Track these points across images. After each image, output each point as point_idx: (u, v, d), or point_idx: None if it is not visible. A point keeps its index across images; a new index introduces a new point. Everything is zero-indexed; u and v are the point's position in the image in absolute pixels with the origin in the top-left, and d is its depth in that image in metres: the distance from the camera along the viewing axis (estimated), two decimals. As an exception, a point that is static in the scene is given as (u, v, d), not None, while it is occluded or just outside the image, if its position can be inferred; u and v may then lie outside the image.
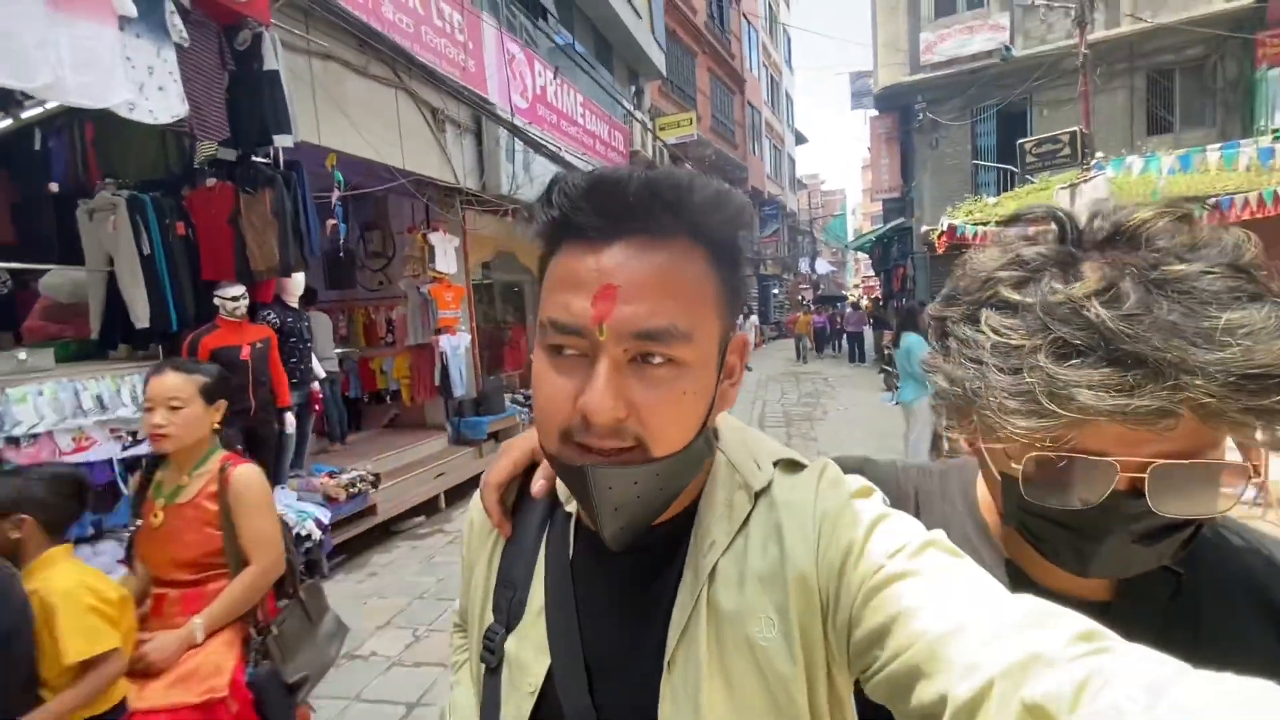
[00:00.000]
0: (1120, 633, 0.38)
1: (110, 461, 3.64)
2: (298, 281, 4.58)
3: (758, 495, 0.56)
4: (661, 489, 0.51)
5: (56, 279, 4.70)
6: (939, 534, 0.49)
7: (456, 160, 6.26)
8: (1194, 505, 0.50)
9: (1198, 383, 0.44)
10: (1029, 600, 0.42)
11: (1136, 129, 11.57)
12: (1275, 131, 9.01)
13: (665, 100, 14.75)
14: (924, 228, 11.48)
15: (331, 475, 4.76)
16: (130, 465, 3.77)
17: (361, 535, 4.80)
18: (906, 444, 5.39)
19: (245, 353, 4.02)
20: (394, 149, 5.39)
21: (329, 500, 4.51)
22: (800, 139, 33.88)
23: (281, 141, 3.85)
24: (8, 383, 3.23)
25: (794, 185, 33.43)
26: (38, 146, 4.71)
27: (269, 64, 3.79)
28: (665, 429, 0.49)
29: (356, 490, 4.74)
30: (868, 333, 17.14)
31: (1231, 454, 0.52)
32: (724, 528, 0.55)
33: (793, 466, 0.58)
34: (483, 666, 0.63)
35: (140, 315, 3.83)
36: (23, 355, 3.44)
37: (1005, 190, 11.38)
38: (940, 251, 9.32)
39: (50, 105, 4.29)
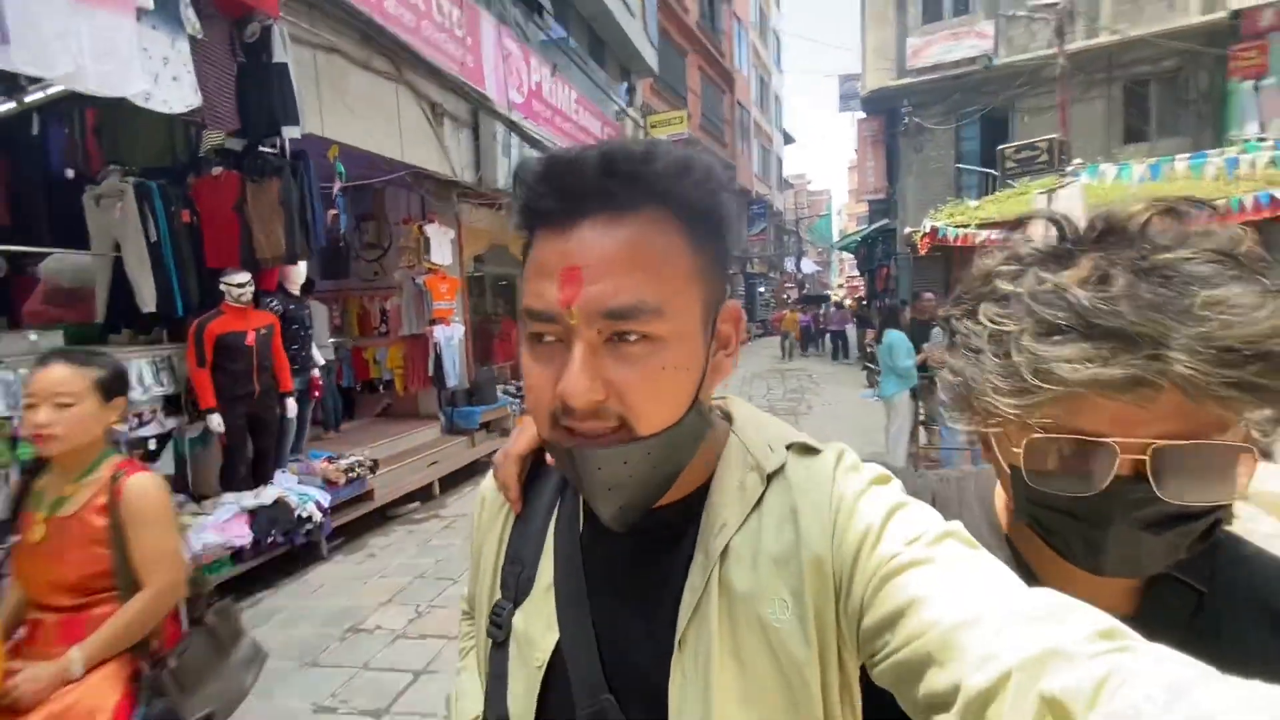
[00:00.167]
0: None
1: (118, 441, 3.72)
2: (300, 270, 4.68)
3: (770, 477, 0.55)
4: (655, 467, 0.50)
5: (58, 263, 4.75)
6: (957, 525, 0.49)
7: (454, 154, 6.37)
8: (1200, 491, 0.50)
9: (1177, 356, 0.45)
10: (1048, 593, 0.41)
11: (1113, 137, 11.94)
12: (1246, 142, 9.39)
13: (657, 98, 14.89)
14: (907, 229, 11.77)
15: (330, 460, 4.87)
16: (134, 446, 3.86)
17: (359, 519, 4.92)
18: (887, 436, 5.60)
19: (250, 338, 4.12)
20: (394, 142, 5.49)
21: (328, 484, 4.62)
22: (788, 139, 34.19)
23: (290, 133, 3.95)
24: (21, 363, 3.31)
25: (781, 185, 33.75)
26: (35, 131, 4.73)
27: (278, 56, 3.89)
28: (647, 406, 0.48)
29: (355, 475, 4.85)
30: (851, 331, 17.48)
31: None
32: (736, 508, 0.55)
33: (807, 450, 0.57)
34: (489, 641, 0.63)
35: (147, 300, 3.91)
36: (34, 337, 3.51)
37: (987, 194, 11.68)
38: (922, 253, 9.59)
39: (52, 90, 4.32)
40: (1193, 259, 0.49)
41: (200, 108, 3.54)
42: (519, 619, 0.60)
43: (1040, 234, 0.58)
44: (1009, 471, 0.57)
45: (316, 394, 5.26)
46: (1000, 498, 0.68)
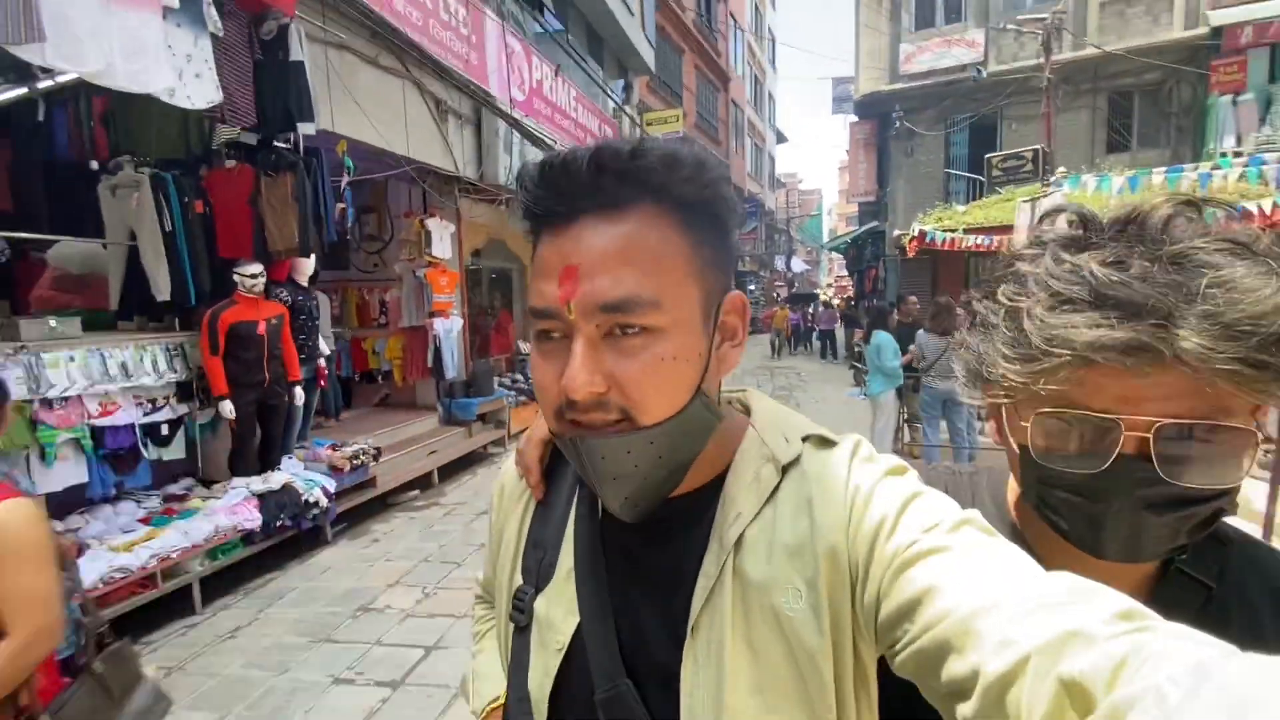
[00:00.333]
0: None
1: (132, 426, 3.84)
2: (309, 262, 4.79)
3: (786, 468, 0.56)
4: (660, 457, 0.51)
5: (67, 250, 4.82)
6: (974, 513, 0.49)
7: (457, 150, 6.49)
8: (1202, 473, 0.50)
9: (1183, 332, 0.46)
10: (1067, 577, 0.41)
11: (1097, 147, 12.28)
12: (1222, 156, 9.72)
13: (653, 96, 15.02)
14: (896, 232, 12.03)
15: (334, 448, 5.00)
16: (149, 430, 3.98)
17: (361, 506, 5.06)
18: (873, 433, 5.83)
19: (261, 328, 4.24)
20: (400, 137, 5.61)
21: (334, 470, 4.75)
22: (781, 138, 34.39)
23: (305, 129, 4.07)
24: (42, 348, 3.42)
25: (773, 184, 33.97)
26: (41, 118, 4.78)
27: (294, 54, 4.00)
28: (648, 398, 0.49)
29: (359, 462, 4.99)
30: (839, 331, 17.78)
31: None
32: (751, 499, 0.55)
33: (824, 443, 0.57)
34: (511, 626, 0.64)
35: (162, 288, 4.02)
36: (53, 323, 3.61)
37: (975, 199, 11.97)
38: (910, 255, 9.84)
39: (62, 78, 4.39)
40: (1206, 248, 0.50)
41: (219, 103, 3.65)
42: (541, 603, 0.61)
43: (1064, 227, 0.59)
44: (1017, 452, 0.59)
45: (322, 383, 5.38)
46: (1013, 493, 0.68)
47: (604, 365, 0.49)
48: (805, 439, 0.58)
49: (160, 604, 3.47)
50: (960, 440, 5.55)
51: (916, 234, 9.36)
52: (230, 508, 3.96)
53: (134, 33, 3.14)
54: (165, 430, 4.09)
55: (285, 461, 4.57)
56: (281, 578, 4.05)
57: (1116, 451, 0.51)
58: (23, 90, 4.72)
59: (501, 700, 0.68)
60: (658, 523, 0.57)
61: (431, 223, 6.68)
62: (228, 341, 4.09)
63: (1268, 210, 6.71)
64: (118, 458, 3.84)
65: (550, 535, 0.64)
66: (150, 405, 3.97)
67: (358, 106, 5.02)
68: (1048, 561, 0.54)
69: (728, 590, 0.52)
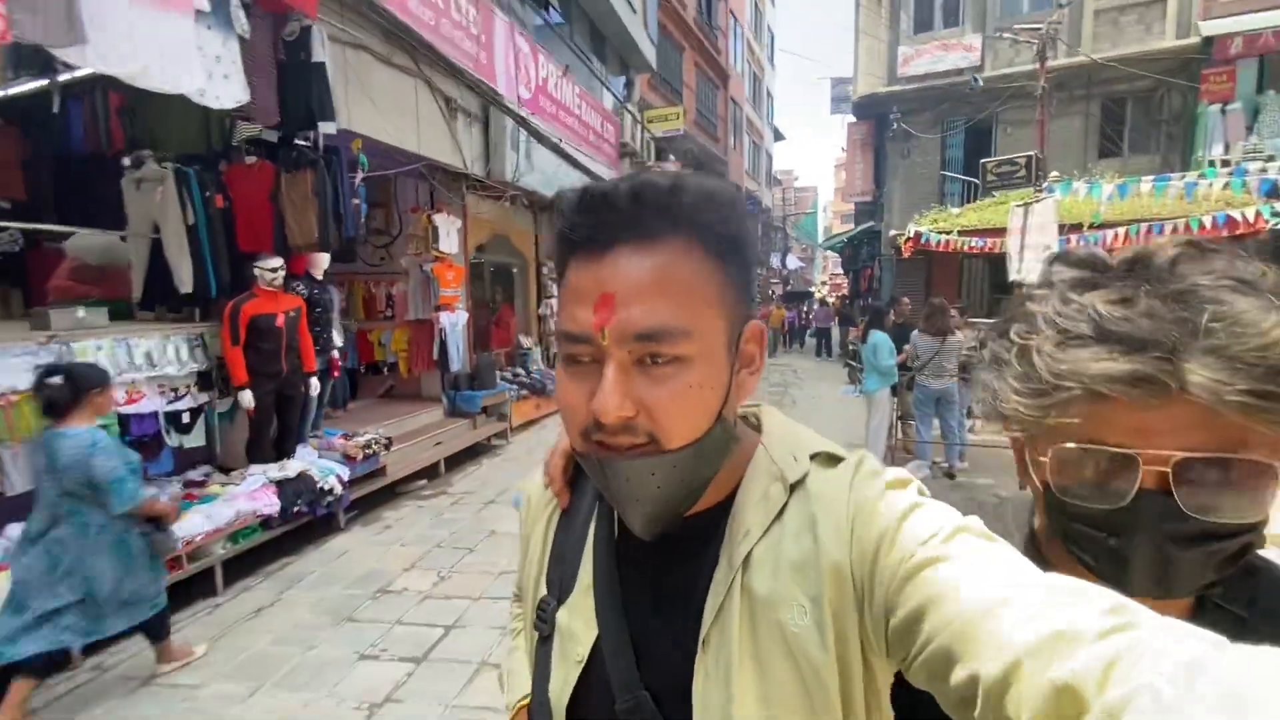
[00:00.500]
0: None
1: (156, 414, 3.98)
2: (325, 257, 4.92)
3: (793, 487, 0.57)
4: (683, 480, 0.53)
5: (85, 241, 4.91)
6: (973, 520, 0.50)
7: (466, 147, 6.62)
8: (1226, 508, 0.50)
9: (1191, 366, 0.47)
10: (1059, 578, 0.41)
11: (1089, 152, 12.50)
12: (1210, 163, 9.96)
13: (654, 93, 15.13)
14: (892, 232, 12.23)
15: (347, 437, 5.14)
16: (172, 418, 4.11)
17: (372, 494, 5.20)
18: (868, 430, 6.02)
19: (280, 320, 4.37)
20: (411, 135, 5.74)
21: (347, 459, 4.90)
22: (778, 136, 34.50)
23: (326, 128, 4.20)
24: (71, 337, 3.54)
25: (770, 181, 34.11)
26: (56, 110, 4.86)
27: (316, 55, 4.13)
28: (675, 423, 0.51)
29: (371, 451, 5.13)
30: (834, 329, 18.00)
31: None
32: (759, 518, 0.56)
33: (830, 460, 0.59)
34: (536, 635, 0.67)
35: (185, 281, 4.14)
36: (82, 313, 3.73)
37: (970, 200, 12.18)
38: (906, 255, 10.04)
39: (79, 72, 4.47)
40: (1211, 285, 0.50)
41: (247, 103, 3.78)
42: (563, 615, 0.64)
43: (1073, 269, 0.60)
44: (1041, 489, 0.59)
45: (336, 373, 5.51)
46: (1040, 522, 0.69)
47: (634, 391, 0.50)
48: (814, 457, 0.59)
49: (183, 586, 3.61)
50: (952, 437, 5.76)
51: (912, 235, 9.55)
52: (250, 493, 4.10)
53: (168, 35, 3.26)
54: (186, 418, 4.22)
55: (300, 450, 4.71)
56: (299, 561, 4.19)
57: (1137, 486, 0.52)
58: (42, 83, 4.82)
59: (529, 699, 0.71)
60: (672, 540, 0.59)
61: (439, 218, 6.81)
62: (248, 333, 4.22)
63: (1250, 218, 6.95)
64: (142, 444, 3.97)
65: (571, 548, 0.67)
66: (173, 394, 4.10)
67: (372, 105, 5.14)
68: None
69: (736, 606, 0.54)
